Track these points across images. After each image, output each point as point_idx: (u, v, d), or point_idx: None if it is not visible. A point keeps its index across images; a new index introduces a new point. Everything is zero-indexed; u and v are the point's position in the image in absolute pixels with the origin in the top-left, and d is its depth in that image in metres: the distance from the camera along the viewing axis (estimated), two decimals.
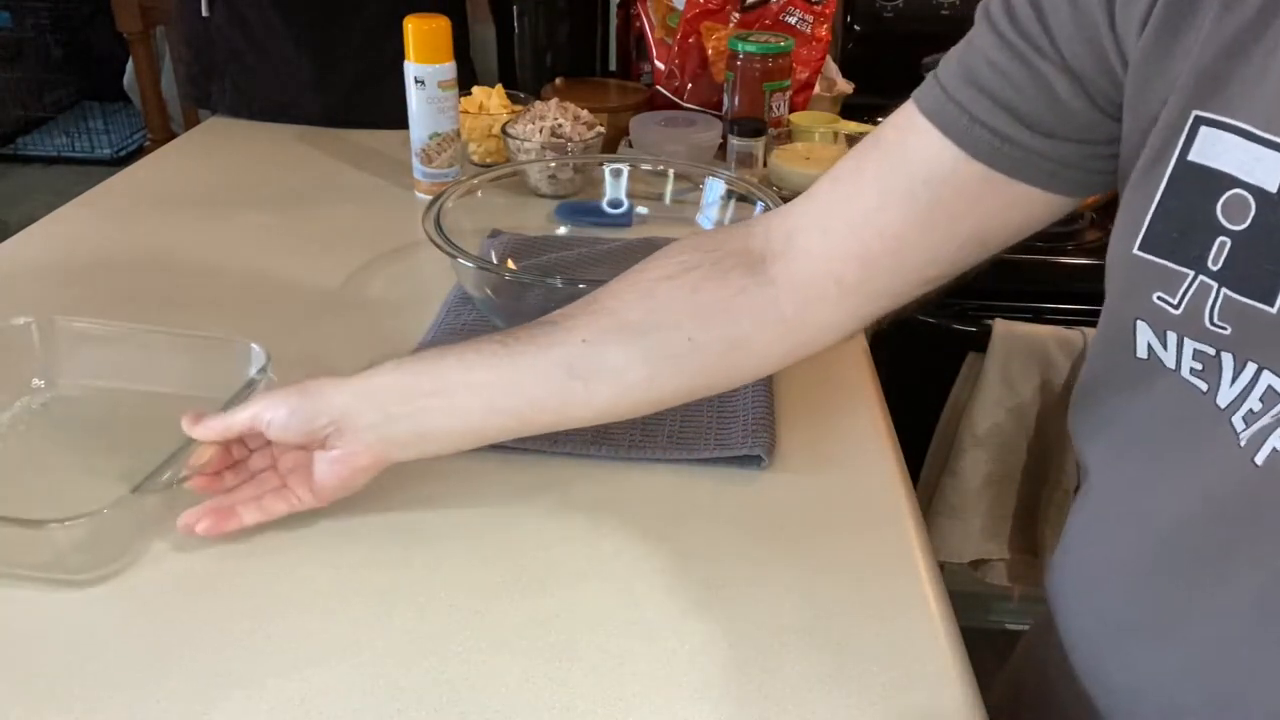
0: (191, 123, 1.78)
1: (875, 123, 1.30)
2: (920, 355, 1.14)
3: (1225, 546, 0.47)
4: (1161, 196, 0.45)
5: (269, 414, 0.59)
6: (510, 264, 0.99)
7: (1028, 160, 0.50)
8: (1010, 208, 0.52)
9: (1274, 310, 0.41)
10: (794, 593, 0.60)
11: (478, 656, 0.55)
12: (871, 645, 0.57)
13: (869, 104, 1.41)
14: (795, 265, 0.58)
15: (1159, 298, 0.45)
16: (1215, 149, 0.43)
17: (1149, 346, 0.48)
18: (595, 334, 0.59)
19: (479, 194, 0.96)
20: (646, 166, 1.06)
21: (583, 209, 1.12)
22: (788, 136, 1.25)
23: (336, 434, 0.59)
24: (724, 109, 1.29)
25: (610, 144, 1.20)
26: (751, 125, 1.18)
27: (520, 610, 0.58)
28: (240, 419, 0.60)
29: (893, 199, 0.54)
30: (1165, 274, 0.45)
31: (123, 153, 3.44)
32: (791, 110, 1.29)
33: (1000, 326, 1.07)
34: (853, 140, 1.23)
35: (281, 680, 0.53)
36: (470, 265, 0.79)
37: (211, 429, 0.61)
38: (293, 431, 0.59)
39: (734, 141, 1.19)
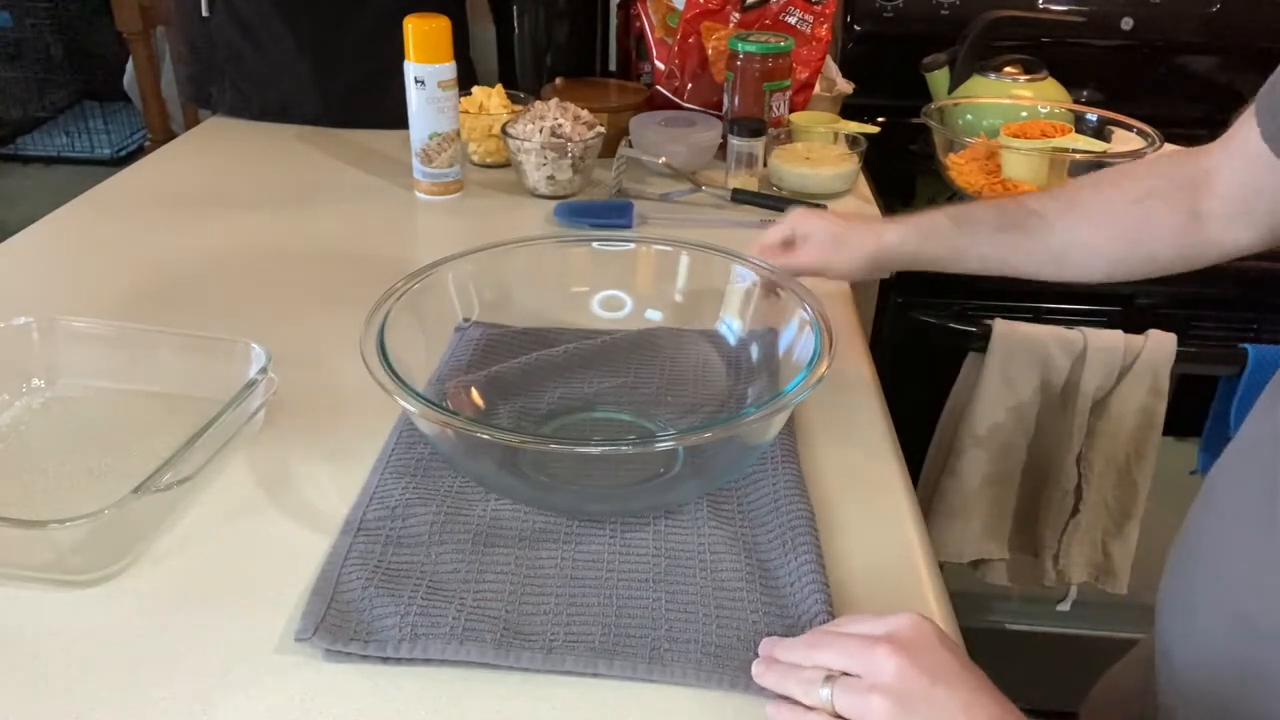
0: (191, 123, 1.78)
1: (875, 123, 1.30)
2: (920, 355, 1.14)
3: None
4: None
5: (835, 272, 0.80)
6: (475, 396, 0.76)
7: None
8: None
9: None
10: None
11: None
12: None
13: (869, 104, 1.41)
14: (1213, 201, 0.71)
15: None
16: None
17: None
18: (1077, 237, 0.75)
19: (469, 200, 0.90)
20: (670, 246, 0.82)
21: (582, 210, 1.12)
22: (788, 136, 1.25)
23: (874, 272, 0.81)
24: (724, 109, 1.29)
25: (610, 144, 1.20)
26: (751, 125, 1.18)
27: None
28: (803, 266, 0.79)
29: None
30: None
31: (123, 153, 3.44)
32: (791, 110, 1.29)
33: (1000, 326, 1.07)
34: (852, 140, 1.23)
35: (281, 680, 0.53)
36: (413, 408, 0.59)
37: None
38: (850, 277, 0.84)
39: (734, 141, 1.19)
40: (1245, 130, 0.67)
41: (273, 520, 0.65)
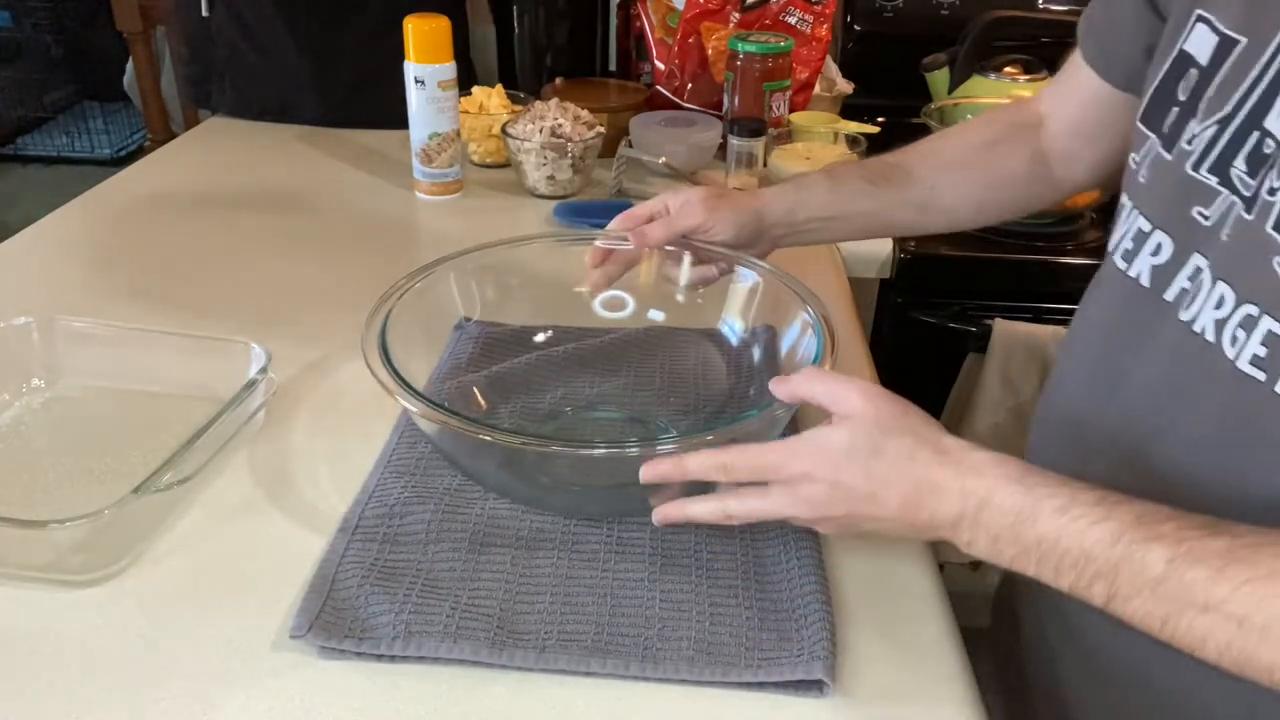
0: (191, 123, 1.78)
1: (875, 123, 1.30)
2: (920, 355, 1.14)
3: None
4: (1161, 78, 0.57)
5: (717, 231, 0.75)
6: (477, 395, 0.76)
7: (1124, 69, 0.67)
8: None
9: (1170, 156, 0.55)
10: None
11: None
12: (872, 646, 0.57)
13: (869, 104, 1.41)
14: (1050, 141, 0.77)
15: (1131, 158, 0.60)
16: (1194, 37, 0.55)
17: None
18: (939, 183, 0.79)
19: (469, 200, 0.90)
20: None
21: (582, 210, 1.12)
22: (788, 136, 1.25)
23: (752, 241, 0.78)
24: (724, 109, 1.29)
25: (610, 144, 1.20)
26: (751, 125, 1.18)
27: None
28: (684, 227, 0.75)
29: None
30: (1141, 137, 0.59)
31: (123, 153, 3.44)
32: (791, 110, 1.29)
33: (1000, 326, 1.07)
34: (853, 140, 1.23)
35: (281, 679, 0.53)
36: (415, 408, 0.59)
37: (656, 237, 0.76)
38: (730, 240, 0.76)
39: (734, 141, 1.19)
40: (1072, 66, 0.72)
41: (272, 520, 0.65)
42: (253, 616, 0.57)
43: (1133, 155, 0.60)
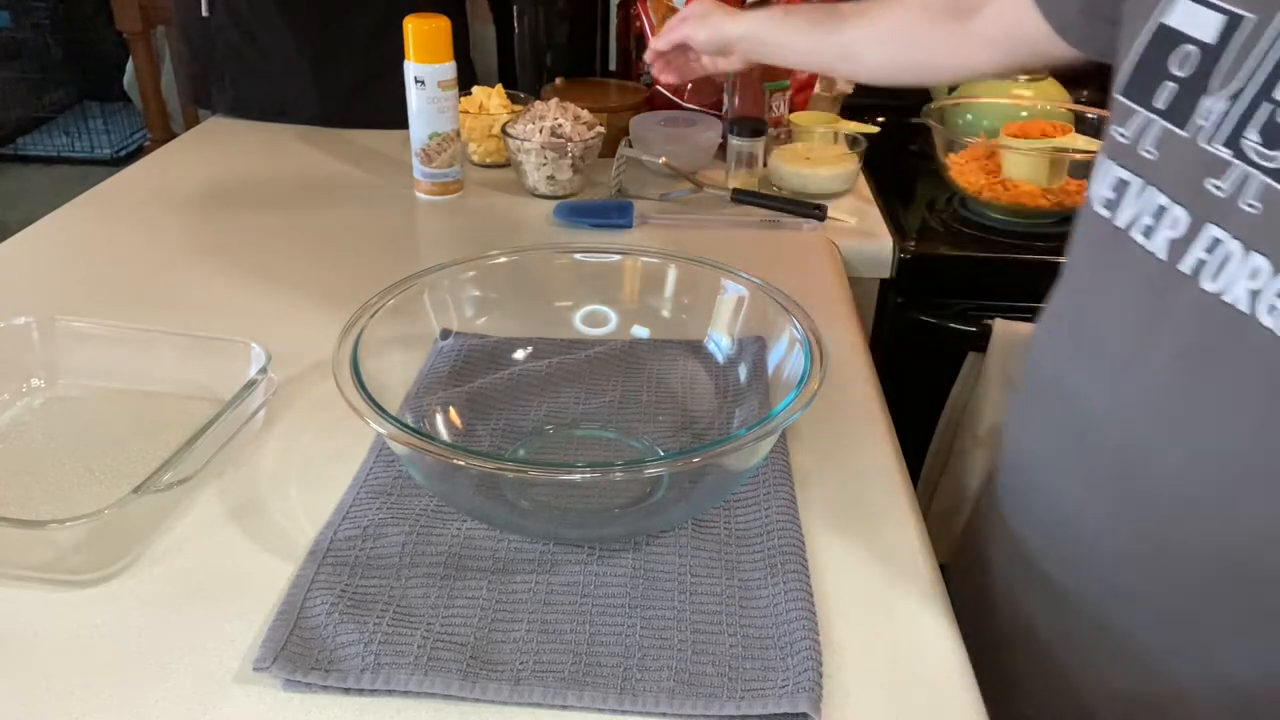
0: (191, 123, 1.78)
1: (875, 123, 1.30)
2: (920, 355, 1.14)
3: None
4: (1143, 52, 0.59)
5: (696, 37, 1.02)
6: (454, 415, 0.74)
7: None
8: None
9: (1185, 133, 0.56)
10: None
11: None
12: (872, 645, 0.57)
13: (869, 104, 1.41)
14: (981, 23, 0.85)
15: (1118, 131, 0.61)
16: (1179, 12, 0.57)
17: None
18: (862, 35, 0.93)
19: (469, 200, 0.91)
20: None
21: (582, 209, 1.12)
22: (788, 136, 1.26)
23: (725, 51, 1.03)
24: (724, 109, 1.29)
25: (610, 144, 1.20)
26: (751, 125, 1.18)
27: None
28: (675, 38, 1.04)
29: None
30: (1126, 110, 0.60)
31: (123, 153, 3.45)
32: (791, 110, 1.29)
33: (1000, 326, 1.07)
34: (853, 140, 1.23)
35: (278, 679, 0.53)
36: (383, 431, 0.57)
37: (660, 46, 1.06)
38: (706, 48, 1.03)
39: (734, 141, 1.19)
40: None
41: (273, 520, 0.65)
42: (253, 615, 0.57)
43: (1117, 128, 0.61)
